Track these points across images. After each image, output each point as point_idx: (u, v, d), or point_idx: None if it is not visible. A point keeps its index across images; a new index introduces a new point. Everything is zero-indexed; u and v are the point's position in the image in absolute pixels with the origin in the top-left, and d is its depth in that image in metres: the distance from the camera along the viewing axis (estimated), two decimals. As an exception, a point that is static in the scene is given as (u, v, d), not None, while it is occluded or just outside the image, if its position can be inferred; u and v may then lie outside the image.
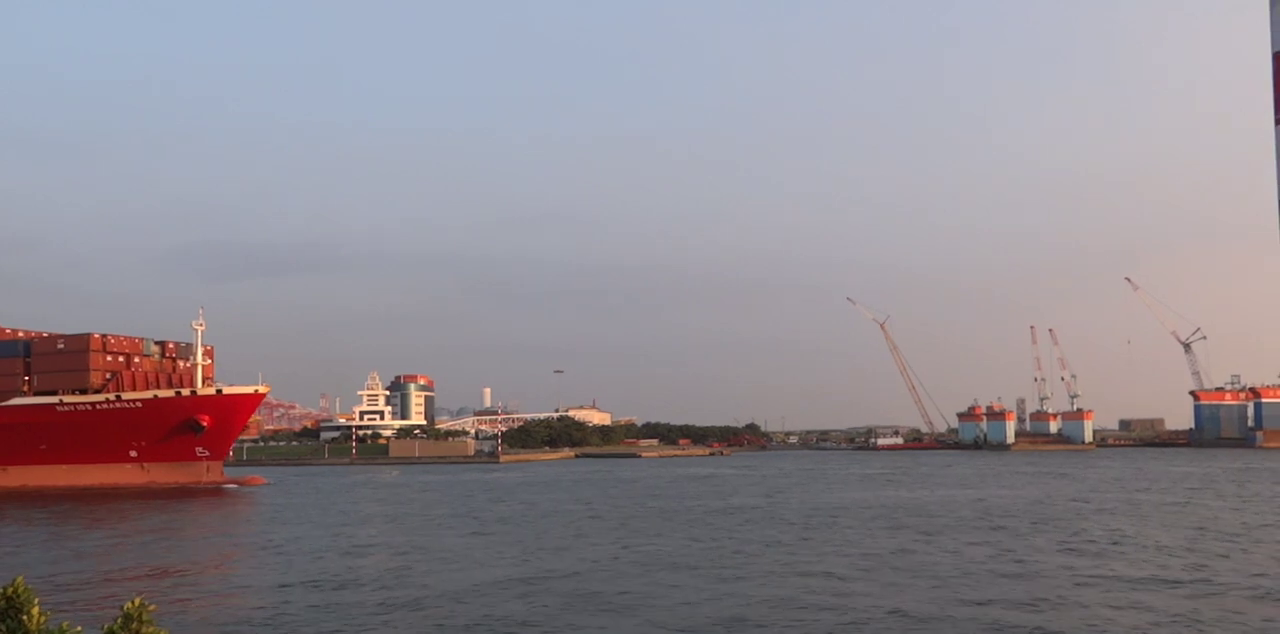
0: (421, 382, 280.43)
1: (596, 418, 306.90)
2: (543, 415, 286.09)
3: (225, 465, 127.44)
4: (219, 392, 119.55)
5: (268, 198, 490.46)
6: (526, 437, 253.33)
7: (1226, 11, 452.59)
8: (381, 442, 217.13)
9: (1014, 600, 35.63)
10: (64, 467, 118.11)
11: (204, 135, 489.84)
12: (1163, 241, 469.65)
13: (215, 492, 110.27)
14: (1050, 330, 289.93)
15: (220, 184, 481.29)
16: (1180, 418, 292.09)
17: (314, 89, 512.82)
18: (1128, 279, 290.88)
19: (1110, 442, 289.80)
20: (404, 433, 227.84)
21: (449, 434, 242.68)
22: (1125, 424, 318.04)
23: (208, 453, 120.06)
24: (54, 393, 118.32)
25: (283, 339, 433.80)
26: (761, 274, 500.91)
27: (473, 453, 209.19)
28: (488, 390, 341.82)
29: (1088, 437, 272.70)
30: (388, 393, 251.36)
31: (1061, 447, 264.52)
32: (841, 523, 65.32)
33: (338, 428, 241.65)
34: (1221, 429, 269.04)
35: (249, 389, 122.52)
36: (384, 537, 60.52)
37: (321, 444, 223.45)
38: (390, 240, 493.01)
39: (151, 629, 6.83)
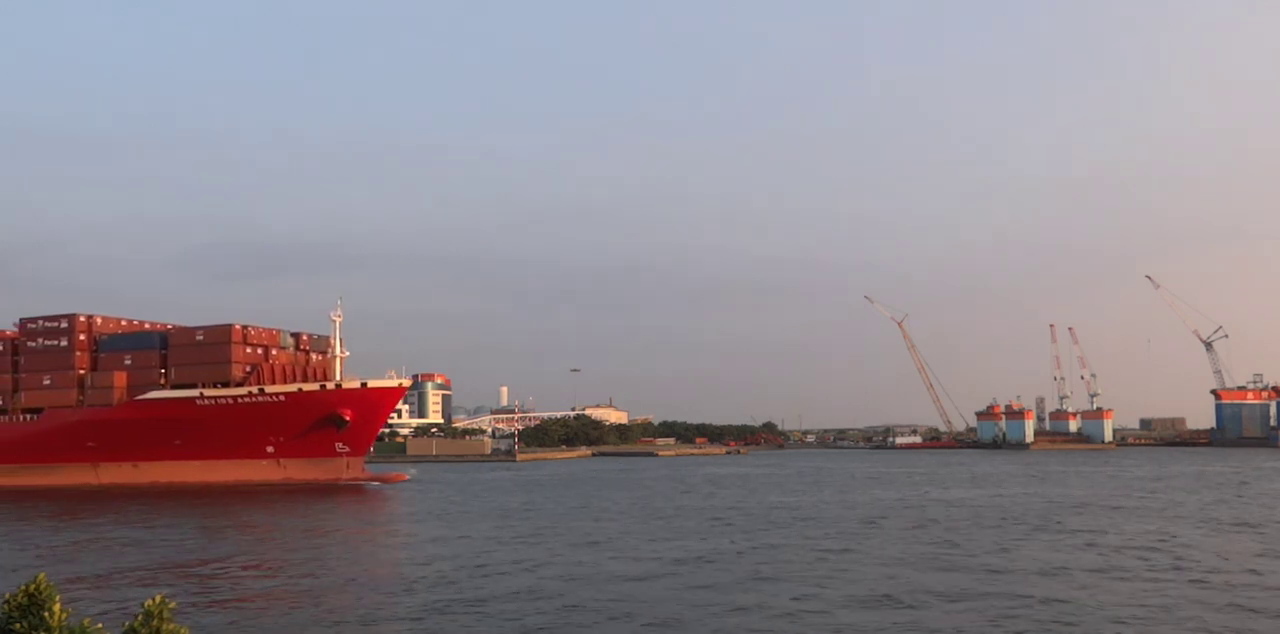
0: (439, 380, 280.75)
1: (613, 417, 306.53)
2: (559, 414, 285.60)
3: None
4: (363, 385, 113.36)
5: (278, 199, 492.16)
6: (543, 435, 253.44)
7: (1244, 12, 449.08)
8: (399, 440, 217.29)
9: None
10: (196, 463, 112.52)
11: (214, 138, 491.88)
12: (1184, 241, 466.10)
13: (357, 489, 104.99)
14: (1070, 329, 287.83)
15: (230, 186, 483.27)
16: (1202, 417, 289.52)
17: (323, 90, 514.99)
18: (1148, 277, 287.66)
19: (1130, 441, 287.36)
20: (421, 431, 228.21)
21: (466, 432, 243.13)
22: (1146, 423, 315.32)
23: (348, 449, 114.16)
24: (193, 386, 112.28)
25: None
26: (779, 273, 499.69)
27: (489, 451, 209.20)
28: (505, 389, 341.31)
29: (1108, 436, 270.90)
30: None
31: (1081, 446, 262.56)
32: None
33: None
34: (1244, 428, 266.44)
35: (392, 382, 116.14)
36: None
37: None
38: (404, 241, 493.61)
39: (172, 626, 6.85)
